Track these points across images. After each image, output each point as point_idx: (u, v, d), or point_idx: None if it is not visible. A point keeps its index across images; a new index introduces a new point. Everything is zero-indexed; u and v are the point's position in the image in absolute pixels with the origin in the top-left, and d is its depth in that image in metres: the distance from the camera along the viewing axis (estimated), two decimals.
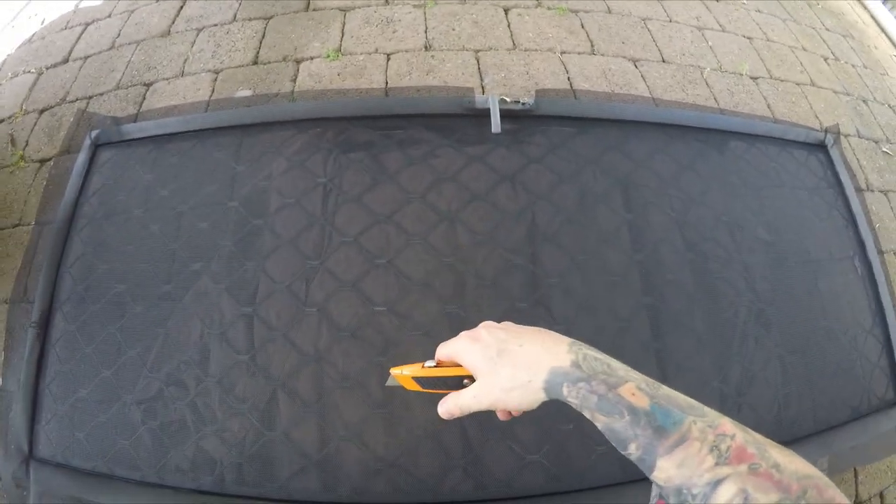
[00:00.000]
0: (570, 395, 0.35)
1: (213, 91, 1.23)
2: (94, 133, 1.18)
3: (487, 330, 0.39)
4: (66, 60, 1.52)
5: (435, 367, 0.42)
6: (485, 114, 1.12)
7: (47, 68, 1.54)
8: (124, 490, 0.93)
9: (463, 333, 0.40)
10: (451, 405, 0.39)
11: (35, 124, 1.41)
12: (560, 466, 0.91)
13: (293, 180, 1.05)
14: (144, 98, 1.28)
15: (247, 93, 1.20)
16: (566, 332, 0.39)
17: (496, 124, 1.10)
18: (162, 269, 1.04)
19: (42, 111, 1.43)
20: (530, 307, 1.02)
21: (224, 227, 1.03)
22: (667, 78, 1.37)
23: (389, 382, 0.44)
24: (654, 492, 0.40)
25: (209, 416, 0.93)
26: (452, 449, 0.91)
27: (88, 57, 1.47)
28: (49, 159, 1.32)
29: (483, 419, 0.93)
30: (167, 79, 1.29)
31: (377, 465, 0.89)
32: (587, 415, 0.34)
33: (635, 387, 0.33)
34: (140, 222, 1.07)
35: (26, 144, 1.39)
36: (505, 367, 0.37)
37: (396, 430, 0.92)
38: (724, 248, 1.16)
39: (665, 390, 0.34)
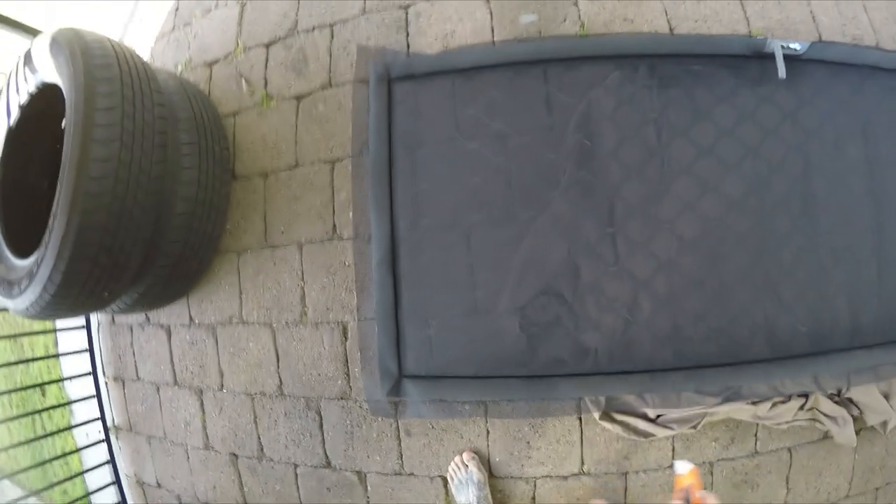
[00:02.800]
0: None
1: (490, 13, 1.19)
2: (380, 65, 1.15)
3: None
4: None
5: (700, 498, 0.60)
6: (769, 57, 1.13)
7: None
8: (511, 385, 1.06)
9: None
10: None
11: (267, 59, 1.35)
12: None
13: (627, 115, 1.08)
14: (408, 22, 1.23)
15: (532, 17, 1.17)
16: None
17: (782, 70, 1.12)
18: (503, 196, 1.09)
19: (269, 45, 1.36)
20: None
21: (570, 157, 1.08)
22: None
23: (681, 464, 0.67)
24: None
25: (584, 316, 1.06)
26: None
27: None
28: (306, 95, 1.28)
29: None
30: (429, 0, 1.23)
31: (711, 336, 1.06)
32: None
33: None
34: (471, 153, 1.10)
35: (266, 83, 1.34)
36: None
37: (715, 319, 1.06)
38: None
39: None
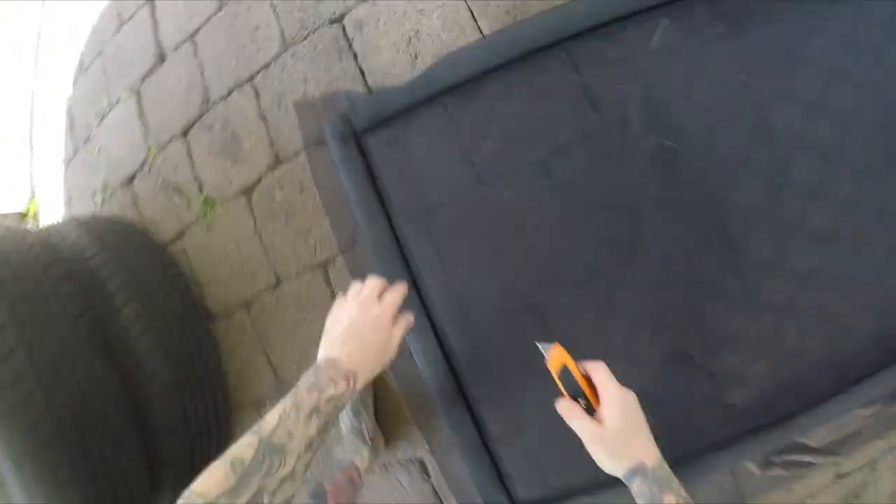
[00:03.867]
0: (635, 486, 0.46)
1: None
2: (335, 121, 0.78)
3: (635, 402, 0.50)
4: (161, 60, 1.06)
5: (583, 376, 0.52)
6: None
7: (143, 80, 1.08)
8: None
9: (615, 383, 0.50)
10: (566, 415, 0.50)
11: (190, 152, 1.00)
12: None
13: (699, 85, 0.71)
14: (350, 39, 0.85)
15: None
16: None
17: None
18: (572, 251, 0.74)
19: (185, 132, 1.01)
20: None
21: (649, 169, 0.71)
22: None
23: (542, 346, 0.53)
24: None
25: (722, 372, 0.75)
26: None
27: (191, 38, 1.00)
28: (254, 184, 0.94)
29: None
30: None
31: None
32: (638, 501, 0.46)
33: (674, 500, 0.44)
34: (508, 204, 0.74)
35: (200, 184, 1.00)
36: (620, 440, 0.47)
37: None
38: None
39: None
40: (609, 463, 0.47)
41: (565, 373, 0.52)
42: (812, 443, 0.88)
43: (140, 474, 0.91)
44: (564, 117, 0.72)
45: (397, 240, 0.77)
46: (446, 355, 0.77)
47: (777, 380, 0.76)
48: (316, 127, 0.81)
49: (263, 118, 0.91)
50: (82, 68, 1.30)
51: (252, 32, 0.94)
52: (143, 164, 1.07)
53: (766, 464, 0.88)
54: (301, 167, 0.88)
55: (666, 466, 0.46)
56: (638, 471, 0.45)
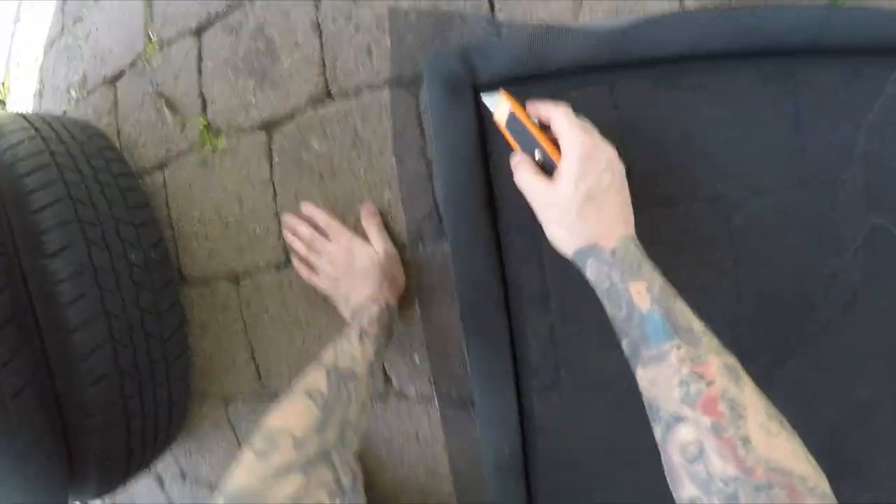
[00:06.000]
0: (590, 272, 0.36)
1: None
2: (449, 59, 0.50)
3: (608, 158, 0.37)
4: None
5: (537, 124, 0.40)
6: None
7: None
8: None
9: (585, 127, 0.38)
10: (519, 174, 0.39)
11: (200, 58, 0.72)
12: None
13: None
14: None
15: None
16: None
17: None
18: (727, 313, 0.50)
19: (199, 30, 0.72)
20: None
21: (855, 251, 0.49)
22: None
23: (487, 99, 0.44)
24: None
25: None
26: None
27: None
28: (283, 119, 0.67)
29: None
30: None
31: None
32: (599, 295, 0.35)
33: (645, 287, 0.33)
34: (648, 237, 0.49)
35: (205, 103, 0.72)
36: (574, 206, 0.36)
37: None
38: None
39: (677, 304, 0.32)
40: (558, 236, 0.38)
41: (514, 121, 0.41)
42: None
43: (53, 464, 0.64)
44: (768, 146, 0.47)
45: (499, 255, 0.51)
46: (521, 419, 0.52)
47: None
48: (413, 59, 0.54)
49: (319, 30, 0.64)
50: None
51: None
52: (135, 60, 0.79)
53: None
54: (360, 111, 0.61)
55: (636, 249, 0.35)
56: (591, 252, 0.36)
